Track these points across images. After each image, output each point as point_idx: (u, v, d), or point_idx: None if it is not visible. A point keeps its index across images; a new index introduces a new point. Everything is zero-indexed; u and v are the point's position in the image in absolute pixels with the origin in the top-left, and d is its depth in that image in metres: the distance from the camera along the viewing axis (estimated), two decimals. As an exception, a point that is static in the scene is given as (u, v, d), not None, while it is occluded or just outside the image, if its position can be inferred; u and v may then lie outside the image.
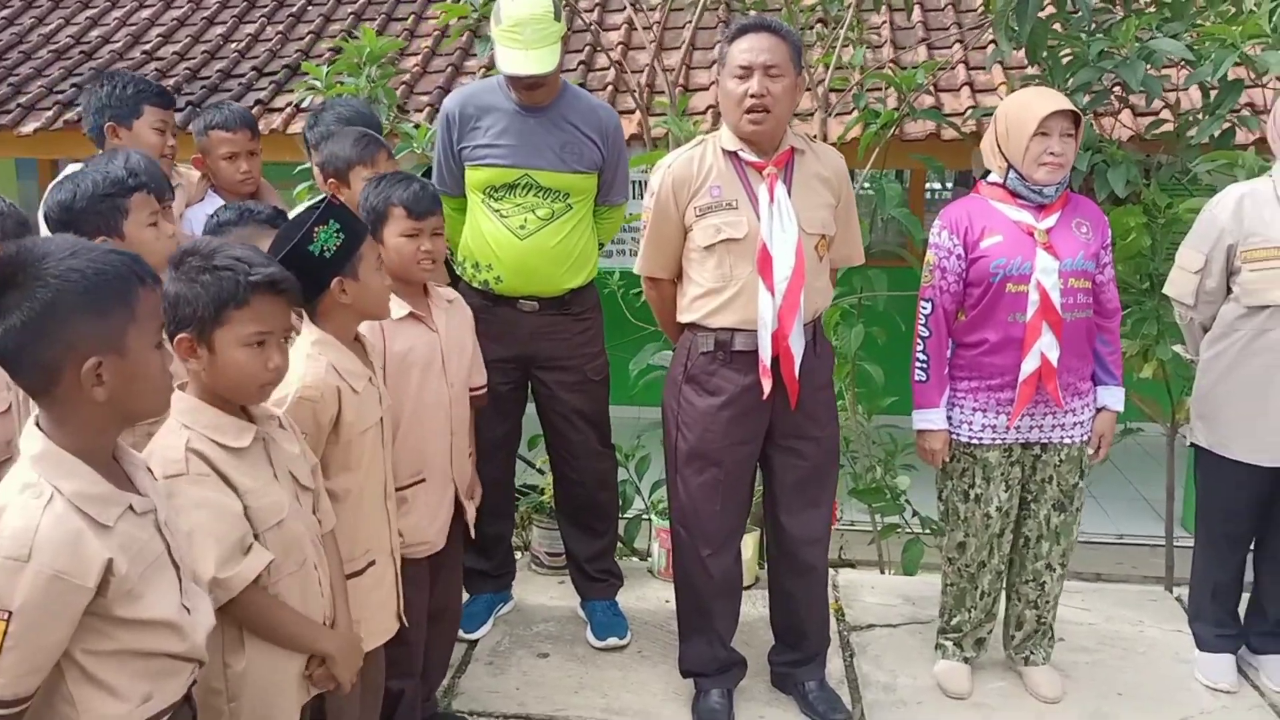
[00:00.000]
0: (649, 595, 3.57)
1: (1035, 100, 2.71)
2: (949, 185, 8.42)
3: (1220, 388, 2.88)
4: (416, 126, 4.10)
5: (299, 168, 3.84)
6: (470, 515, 2.69)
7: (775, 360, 2.64)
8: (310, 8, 8.10)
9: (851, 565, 4.69)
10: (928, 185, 8.32)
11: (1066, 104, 2.68)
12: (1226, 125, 3.61)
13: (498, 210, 3.02)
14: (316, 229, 2.00)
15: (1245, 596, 3.13)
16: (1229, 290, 2.86)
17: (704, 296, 2.70)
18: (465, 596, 3.31)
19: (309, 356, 2.04)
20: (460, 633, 3.15)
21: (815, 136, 3.86)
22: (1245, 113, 3.91)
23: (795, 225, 2.62)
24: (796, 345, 2.64)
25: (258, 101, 6.84)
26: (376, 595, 2.21)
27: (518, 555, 3.72)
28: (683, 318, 2.77)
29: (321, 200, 2.06)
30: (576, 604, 3.41)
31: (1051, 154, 2.66)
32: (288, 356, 1.82)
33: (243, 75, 7.26)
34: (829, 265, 2.80)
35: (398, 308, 2.41)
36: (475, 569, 3.34)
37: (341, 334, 2.13)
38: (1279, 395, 2.78)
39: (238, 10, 8.20)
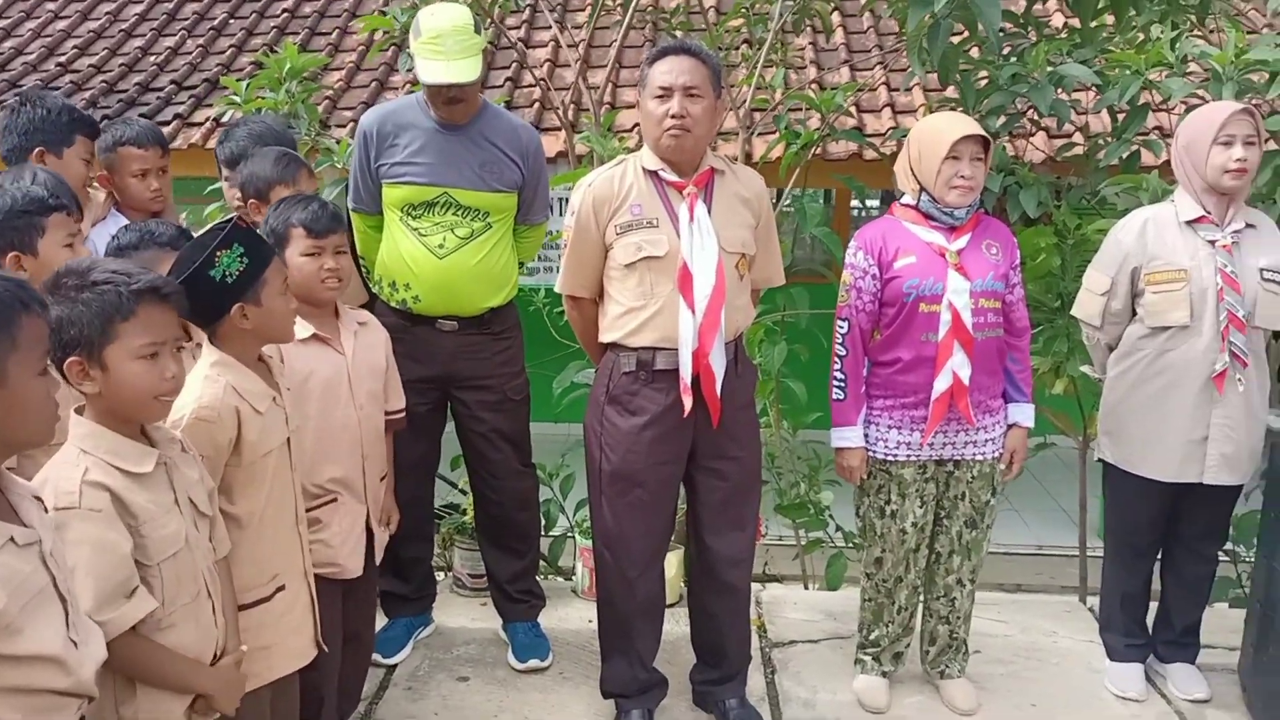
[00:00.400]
0: (572, 615, 3.55)
1: (946, 125, 2.77)
2: (876, 204, 8.56)
3: (1124, 405, 2.96)
4: (338, 142, 4.06)
5: (211, 187, 3.78)
6: (382, 540, 2.65)
7: (696, 379, 2.65)
8: (232, 21, 7.98)
9: (778, 580, 4.73)
10: (855, 204, 8.45)
11: (976, 129, 2.74)
12: (1133, 149, 3.72)
13: (416, 229, 3.00)
14: (219, 253, 1.95)
15: (1154, 606, 3.22)
16: (1134, 311, 2.93)
17: (625, 315, 2.70)
18: (383, 621, 3.28)
19: (207, 378, 2.00)
20: (378, 658, 3.11)
21: (736, 158, 3.90)
22: (1154, 136, 4.03)
23: (715, 244, 2.64)
24: (717, 363, 2.65)
25: (176, 116, 6.72)
26: (289, 620, 2.17)
27: (440, 577, 3.68)
28: (604, 337, 2.77)
29: (227, 222, 2.02)
30: (498, 626, 3.38)
31: (962, 177, 2.72)
32: (183, 365, 1.79)
33: (161, 89, 7.12)
34: (750, 285, 2.83)
35: (301, 329, 2.37)
36: (394, 592, 3.29)
37: (243, 355, 2.09)
38: (1178, 413, 2.86)
39: (157, 23, 8.04)
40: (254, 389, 2.07)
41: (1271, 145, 3.12)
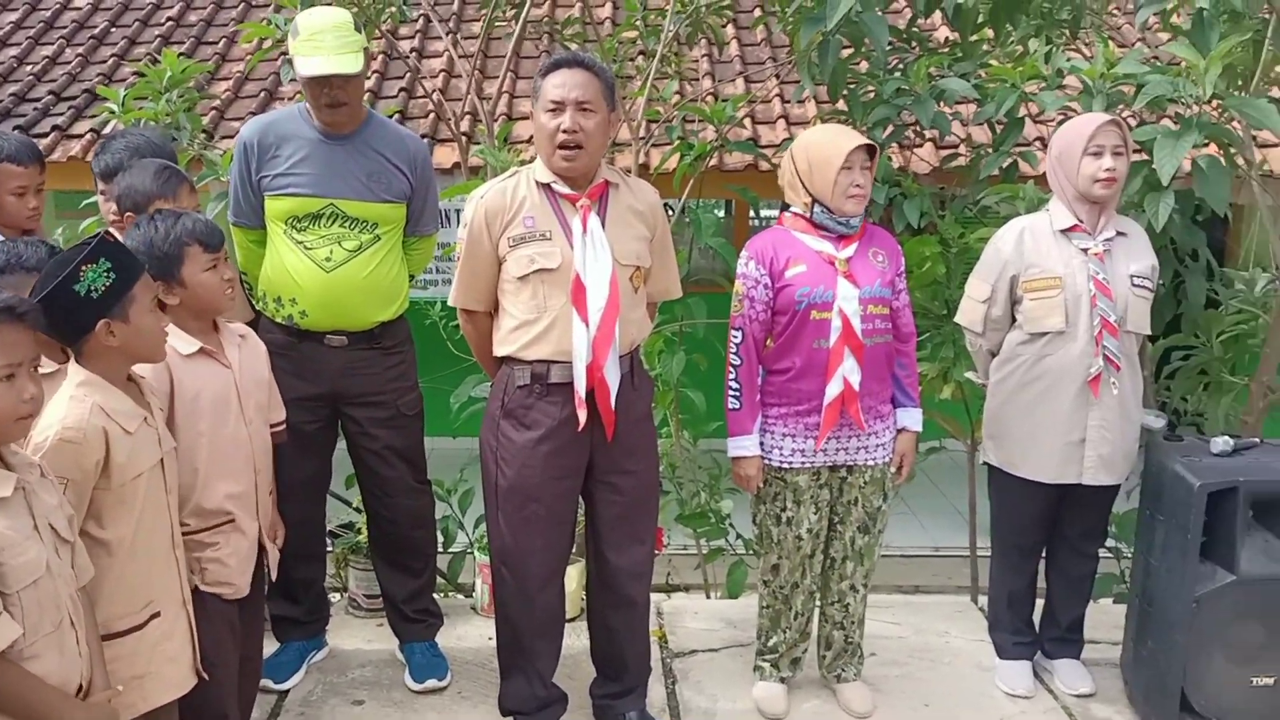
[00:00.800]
0: (470, 633, 3.50)
1: (838, 137, 2.82)
2: (773, 214, 8.68)
3: (1006, 409, 3.04)
4: (223, 153, 3.96)
5: (86, 201, 3.65)
6: (273, 558, 2.59)
7: (591, 392, 2.64)
8: (113, 30, 7.73)
9: (680, 590, 4.75)
10: (756, 214, 8.55)
11: (864, 139, 2.80)
12: (1011, 159, 3.84)
13: (301, 242, 2.93)
14: (84, 267, 1.89)
15: (1041, 605, 3.31)
16: (1013, 318, 3.02)
17: (519, 328, 2.68)
18: (275, 645, 3.20)
19: (72, 398, 1.93)
20: (270, 683, 3.03)
21: (630, 169, 3.92)
22: (1034, 147, 4.17)
23: (609, 256, 2.63)
24: (612, 376, 2.65)
25: (55, 127, 6.48)
26: (165, 649, 2.10)
27: (334, 598, 3.60)
28: (498, 350, 2.75)
29: (94, 236, 1.95)
30: (395, 647, 3.31)
31: (857, 186, 2.77)
32: (41, 385, 1.72)
33: (39, 100, 6.86)
34: (645, 297, 2.83)
35: (187, 344, 2.33)
36: (285, 615, 3.21)
37: (111, 375, 2.02)
38: (1056, 416, 2.94)
39: (33, 31, 7.74)
40: (123, 409, 2.00)
41: (1140, 155, 3.24)
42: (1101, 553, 3.28)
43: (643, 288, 2.78)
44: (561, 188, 2.66)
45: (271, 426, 2.62)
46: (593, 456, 2.75)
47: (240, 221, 3.07)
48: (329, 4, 3.49)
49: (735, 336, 2.88)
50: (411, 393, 3.14)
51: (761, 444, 2.90)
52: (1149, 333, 3.06)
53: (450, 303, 2.81)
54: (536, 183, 2.68)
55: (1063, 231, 2.94)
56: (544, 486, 2.71)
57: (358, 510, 3.82)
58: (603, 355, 2.61)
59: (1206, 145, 3.28)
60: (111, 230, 2.09)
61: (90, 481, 1.94)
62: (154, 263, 2.26)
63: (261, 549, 2.55)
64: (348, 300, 2.95)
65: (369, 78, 6.38)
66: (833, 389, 2.78)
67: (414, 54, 6.99)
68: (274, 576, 2.64)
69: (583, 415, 2.64)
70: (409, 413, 3.12)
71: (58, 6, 8.02)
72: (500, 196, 2.67)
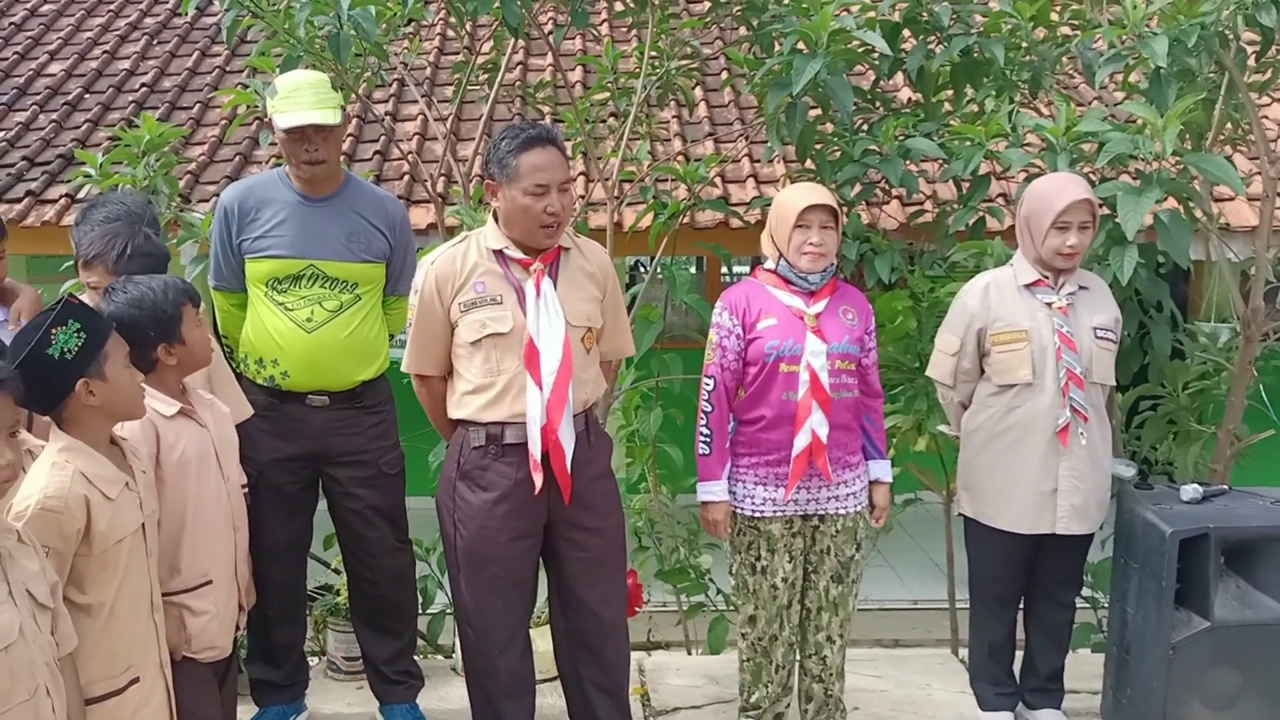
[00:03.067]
0: (451, 694, 3.47)
1: (796, 195, 2.89)
2: (744, 270, 8.78)
3: (978, 461, 3.09)
4: (201, 216, 3.98)
5: (65, 264, 3.64)
6: (241, 620, 2.59)
7: (546, 454, 2.65)
8: (88, 95, 7.75)
9: (663, 647, 4.72)
10: (728, 270, 8.64)
11: (822, 199, 2.86)
12: (978, 215, 3.93)
13: (282, 303, 2.95)
14: (54, 331, 1.91)
15: (1020, 655, 3.32)
16: (982, 370, 3.08)
17: (473, 393, 2.69)
18: (254, 710, 3.16)
19: (54, 465, 1.94)
20: (247, 749, 3.00)
21: (604, 228, 3.97)
22: (998, 203, 4.26)
23: (562, 319, 2.66)
24: (567, 438, 2.65)
25: (29, 193, 6.47)
26: (144, 714, 2.10)
27: (313, 661, 3.56)
28: (454, 414, 2.76)
29: (59, 301, 1.97)
30: (376, 709, 3.28)
31: (811, 244, 2.83)
32: (19, 451, 1.73)
33: (12, 165, 6.86)
34: (598, 357, 2.85)
35: (168, 405, 2.34)
36: (265, 680, 3.18)
37: (93, 438, 2.03)
38: (1027, 467, 2.99)
39: (7, 97, 7.76)
40: (105, 474, 2.00)
41: (1103, 210, 3.33)
42: (1079, 602, 3.31)
43: (595, 347, 2.81)
44: (514, 252, 2.69)
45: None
46: (552, 516, 2.75)
47: (221, 285, 3.09)
48: (307, 68, 3.54)
49: (707, 384, 2.93)
50: (393, 451, 3.15)
51: (733, 493, 2.93)
52: (1114, 384, 3.13)
53: (404, 368, 2.83)
54: (488, 249, 2.71)
55: (1026, 286, 3.01)
56: (502, 548, 2.71)
57: (336, 571, 3.80)
58: (556, 418, 2.62)
59: (1166, 200, 3.38)
60: (73, 294, 2.10)
61: (72, 549, 1.94)
62: (158, 326, 2.30)
63: (240, 609, 2.55)
64: (329, 360, 2.97)
65: (344, 140, 6.45)
66: (800, 440, 2.82)
67: (388, 117, 7.07)
68: (240, 639, 2.63)
69: (539, 479, 2.65)
70: (390, 471, 3.13)
71: (31, 73, 8.05)
72: (450, 263, 2.70)
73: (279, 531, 3.02)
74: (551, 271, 2.72)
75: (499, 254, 2.71)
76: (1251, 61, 3.70)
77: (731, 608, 4.14)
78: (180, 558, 2.34)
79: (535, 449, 2.63)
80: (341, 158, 3.27)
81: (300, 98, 2.88)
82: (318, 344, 2.95)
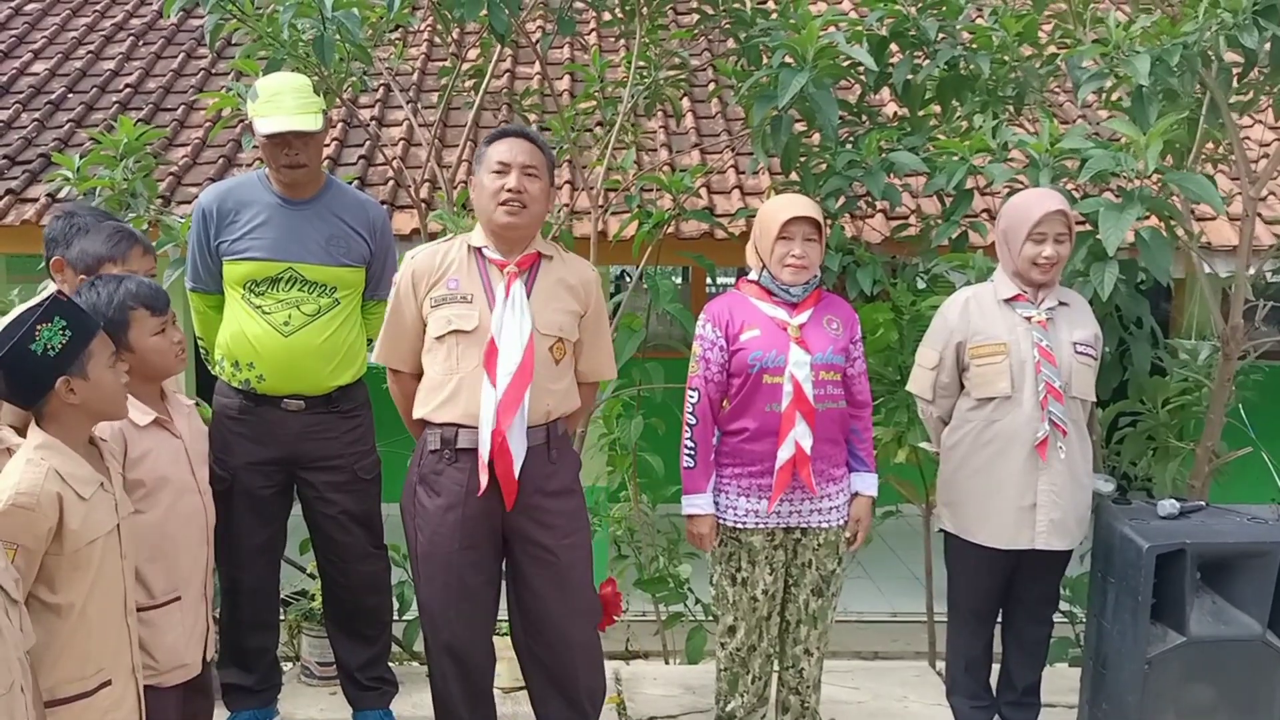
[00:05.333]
0: (425, 701, 3.38)
1: (779, 207, 2.89)
2: (729, 281, 8.79)
3: (958, 475, 3.08)
4: (183, 219, 3.95)
5: (44, 264, 3.61)
6: (211, 637, 2.56)
7: (493, 462, 2.62)
8: (71, 95, 7.70)
9: (641, 656, 4.71)
10: (713, 280, 8.65)
11: (805, 211, 2.85)
12: (961, 230, 3.94)
13: (259, 306, 2.93)
14: (39, 327, 1.90)
15: (997, 668, 3.32)
16: (962, 385, 3.08)
17: (432, 390, 2.70)
18: (225, 714, 3.12)
19: (29, 461, 1.92)
20: (218, 755, 2.96)
21: (586, 237, 3.95)
22: (982, 218, 4.28)
23: (529, 324, 2.65)
24: (516, 444, 2.62)
25: (9, 191, 6.42)
26: (114, 717, 2.06)
27: (286, 666, 3.53)
28: (415, 414, 2.75)
29: (47, 297, 1.96)
30: (348, 715, 3.25)
31: (794, 256, 2.83)
32: None
33: (-7, 163, 6.81)
34: (570, 372, 2.82)
35: (142, 414, 2.31)
36: (237, 685, 3.15)
37: (71, 437, 2.01)
38: (1007, 481, 2.98)
39: (-11, 95, 7.72)
40: (79, 473, 1.98)
41: (1084, 226, 3.35)
42: (1056, 616, 3.32)
43: (567, 360, 2.78)
44: (492, 253, 2.70)
45: None
46: (509, 529, 2.72)
47: (198, 287, 3.07)
48: (290, 71, 3.53)
49: (691, 396, 2.92)
50: (369, 457, 3.12)
51: (716, 504, 2.92)
52: (1094, 399, 3.13)
53: (373, 359, 2.84)
54: (469, 247, 2.73)
55: (1006, 300, 3.02)
56: (455, 555, 2.70)
57: (311, 576, 3.77)
58: (506, 419, 2.60)
59: (1148, 217, 3.40)
60: (63, 290, 2.09)
61: (41, 548, 1.92)
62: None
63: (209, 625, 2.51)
64: (305, 364, 2.95)
65: (329, 145, 6.43)
66: (784, 452, 2.81)
67: (374, 122, 7.05)
68: (212, 652, 2.60)
69: (484, 479, 2.62)
70: (366, 477, 3.10)
71: (14, 72, 7.99)
72: (430, 258, 2.73)
73: (253, 536, 2.99)
74: (529, 277, 2.71)
75: (478, 253, 2.71)
76: (1235, 83, 3.72)
77: (710, 618, 4.14)
78: (147, 573, 2.30)
79: (484, 449, 2.61)
80: (324, 161, 3.25)
81: (281, 103, 2.86)
82: (294, 347, 2.93)
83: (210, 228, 2.97)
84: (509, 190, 2.63)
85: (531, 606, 2.79)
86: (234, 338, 2.96)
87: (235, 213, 2.95)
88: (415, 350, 2.75)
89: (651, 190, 4.86)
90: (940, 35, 3.93)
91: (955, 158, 3.72)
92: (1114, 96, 3.91)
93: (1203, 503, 3.12)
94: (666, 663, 4.38)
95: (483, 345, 2.63)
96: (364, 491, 3.10)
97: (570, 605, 2.80)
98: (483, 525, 2.70)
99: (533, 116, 5.46)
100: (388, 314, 2.76)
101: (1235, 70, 3.66)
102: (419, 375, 2.78)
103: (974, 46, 3.91)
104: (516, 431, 2.62)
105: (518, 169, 2.64)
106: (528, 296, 2.68)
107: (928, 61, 3.96)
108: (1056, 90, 5.72)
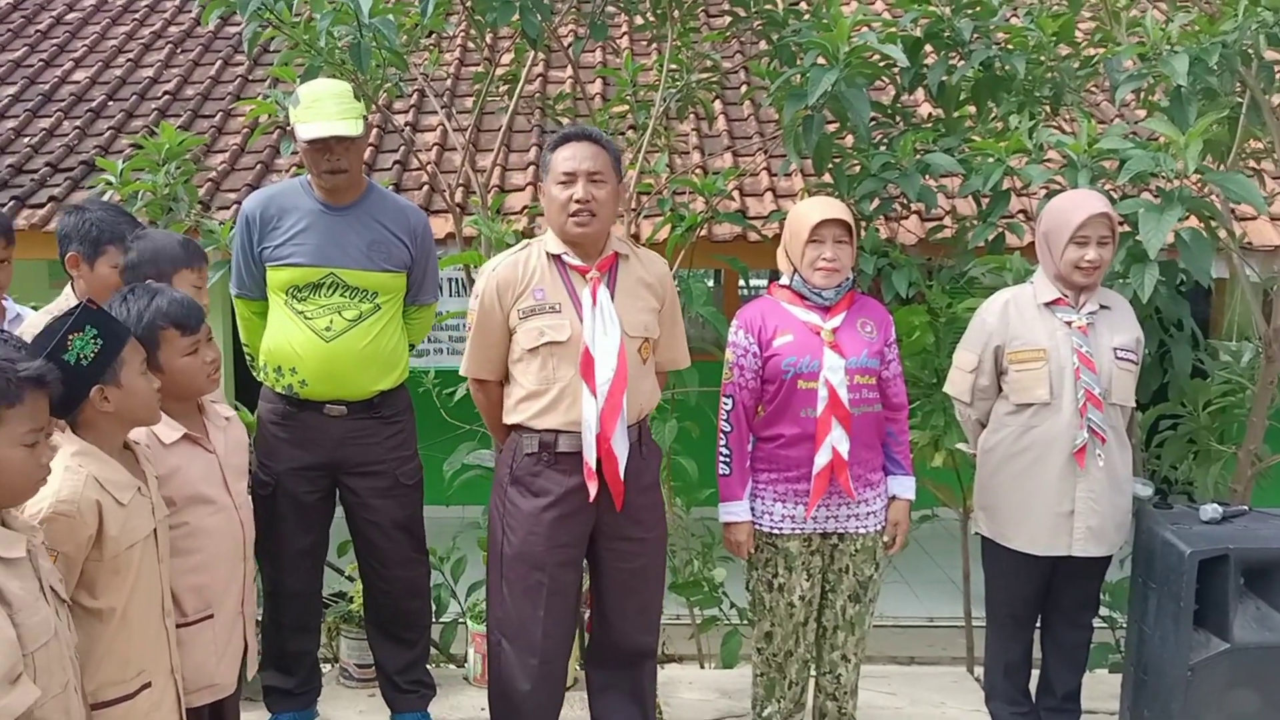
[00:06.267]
0: (464, 703, 3.47)
1: (809, 210, 2.88)
2: (762, 284, 8.76)
3: (995, 480, 3.06)
4: (221, 223, 4.00)
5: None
6: (252, 657, 2.55)
7: (600, 462, 2.65)
8: (111, 103, 7.82)
9: (676, 660, 4.70)
10: (745, 283, 8.63)
11: (836, 213, 2.84)
12: (998, 231, 3.91)
13: (302, 312, 2.96)
14: (71, 337, 1.92)
15: (1036, 674, 3.29)
16: (1000, 388, 3.06)
17: (528, 399, 2.70)
18: (266, 716, 3.16)
19: (68, 469, 1.94)
20: (259, 756, 3.00)
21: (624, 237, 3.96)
22: (1018, 219, 4.25)
23: (618, 328, 2.66)
24: (620, 447, 2.66)
25: (51, 198, 6.53)
26: (154, 718, 2.09)
27: (325, 668, 3.56)
28: (508, 419, 2.77)
29: (77, 306, 1.98)
30: (387, 717, 3.28)
31: (825, 259, 2.82)
32: (51, 454, 1.76)
33: (36, 171, 6.93)
34: (654, 368, 2.85)
35: (170, 431, 2.28)
36: (277, 687, 3.19)
37: (107, 443, 2.03)
38: (1044, 488, 2.95)
39: (31, 104, 7.84)
40: (117, 479, 2.01)
41: (1123, 227, 3.31)
42: (1096, 622, 3.28)
43: (651, 358, 2.81)
44: (572, 259, 2.70)
45: None
46: (599, 525, 2.76)
47: (242, 293, 3.11)
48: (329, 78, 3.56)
49: (726, 404, 2.92)
50: (411, 462, 3.14)
51: (752, 509, 2.91)
52: (1134, 405, 3.10)
53: (462, 372, 2.85)
54: (547, 254, 2.73)
55: (1046, 304, 2.99)
56: (548, 554, 2.71)
57: (350, 579, 3.81)
58: (610, 426, 2.63)
59: (1188, 218, 3.36)
60: (93, 299, 2.10)
61: (82, 554, 1.94)
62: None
63: (247, 646, 2.49)
64: (347, 370, 2.97)
65: (365, 150, 6.48)
66: (821, 458, 2.80)
67: (409, 127, 7.10)
68: (250, 675, 2.60)
69: (593, 487, 2.65)
70: (408, 482, 3.12)
71: (56, 80, 8.13)
72: (512, 269, 2.72)
73: (296, 540, 3.02)
74: (609, 280, 2.72)
75: (558, 260, 2.72)
76: (1276, 81, 3.67)
77: (746, 622, 4.13)
78: (178, 590, 2.26)
79: (590, 457, 2.63)
80: (363, 166, 3.28)
81: (323, 108, 2.89)
82: (336, 353, 2.96)
83: (254, 234, 3.01)
84: (577, 201, 2.63)
85: (612, 599, 2.82)
86: (276, 343, 3.00)
87: (278, 219, 2.98)
88: (503, 360, 2.76)
89: (684, 193, 4.86)
90: (975, 36, 3.90)
91: (991, 159, 3.69)
92: (1153, 96, 3.86)
93: (1245, 507, 3.09)
94: (702, 667, 4.37)
95: (577, 355, 2.64)
96: (406, 497, 3.12)
97: (649, 598, 2.86)
98: (578, 525, 2.72)
99: (565, 120, 5.48)
100: (472, 329, 2.76)
101: (1276, 69, 3.61)
102: (501, 382, 2.80)
103: (1009, 47, 3.88)
104: (619, 436, 2.64)
105: (583, 177, 2.64)
106: (611, 299, 2.69)
107: (962, 62, 3.94)
108: (1094, 90, 5.66)
